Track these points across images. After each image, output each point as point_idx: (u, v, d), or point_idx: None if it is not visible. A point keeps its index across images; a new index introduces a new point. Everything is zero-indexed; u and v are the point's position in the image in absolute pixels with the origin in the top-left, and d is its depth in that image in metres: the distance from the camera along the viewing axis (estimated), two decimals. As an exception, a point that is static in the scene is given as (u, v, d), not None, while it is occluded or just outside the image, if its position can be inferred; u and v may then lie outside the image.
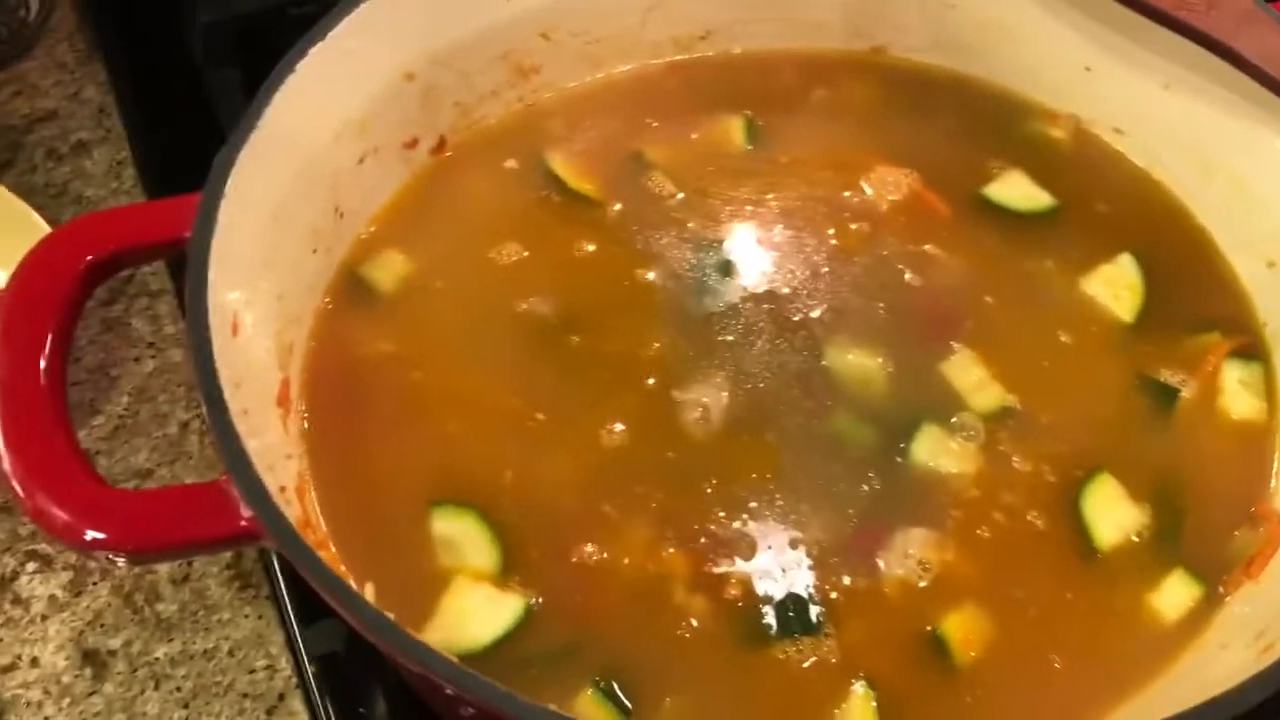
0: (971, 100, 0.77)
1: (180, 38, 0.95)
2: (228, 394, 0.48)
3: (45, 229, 0.78)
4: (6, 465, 0.45)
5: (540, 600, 0.57)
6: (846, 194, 0.72)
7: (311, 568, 0.43)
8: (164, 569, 0.71)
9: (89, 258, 0.49)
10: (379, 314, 0.65)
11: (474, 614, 0.56)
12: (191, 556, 0.47)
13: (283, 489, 0.50)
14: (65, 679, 0.69)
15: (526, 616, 0.56)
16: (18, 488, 0.44)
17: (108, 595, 0.71)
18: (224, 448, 0.45)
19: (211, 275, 0.51)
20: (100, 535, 0.44)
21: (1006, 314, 0.68)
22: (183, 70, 0.93)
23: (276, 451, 0.55)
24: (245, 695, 0.69)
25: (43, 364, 0.46)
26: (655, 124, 0.74)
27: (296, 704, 0.68)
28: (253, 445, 0.48)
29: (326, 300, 0.65)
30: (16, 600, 0.71)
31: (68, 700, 0.68)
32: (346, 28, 0.60)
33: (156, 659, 0.70)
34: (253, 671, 0.69)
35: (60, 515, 0.43)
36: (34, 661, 0.69)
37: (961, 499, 0.61)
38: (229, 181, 0.53)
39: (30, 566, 0.73)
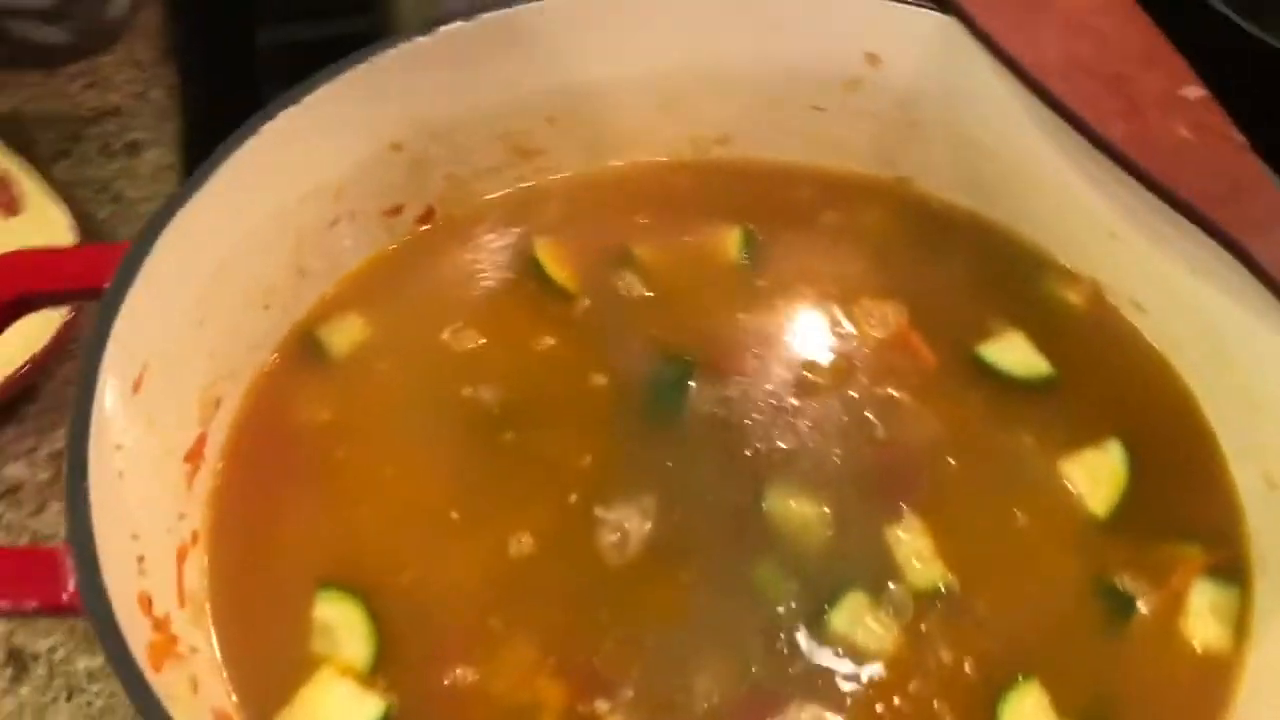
0: (990, 247, 0.73)
1: (250, 55, 0.98)
2: (99, 457, 0.48)
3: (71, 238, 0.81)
4: None
5: (401, 707, 0.55)
6: (831, 326, 0.69)
7: (114, 654, 0.42)
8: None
9: (-4, 300, 0.50)
10: (325, 378, 0.65)
11: (331, 710, 0.55)
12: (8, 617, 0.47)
13: (141, 559, 0.50)
14: (-14, 678, 0.70)
15: (383, 720, 0.55)
16: None
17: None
18: (69, 516, 0.45)
19: (118, 331, 0.51)
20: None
21: (969, 484, 0.64)
22: (247, 86, 0.95)
23: (166, 510, 0.55)
24: (153, 723, 0.69)
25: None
26: (652, 223, 0.72)
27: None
28: (121, 513, 0.48)
29: (274, 357, 0.65)
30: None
31: (-16, 696, 0.70)
32: (326, 94, 0.60)
33: (76, 670, 0.71)
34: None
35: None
36: (-42, 652, 0.71)
37: (870, 680, 0.58)
38: (158, 241, 0.53)
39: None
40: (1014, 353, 0.68)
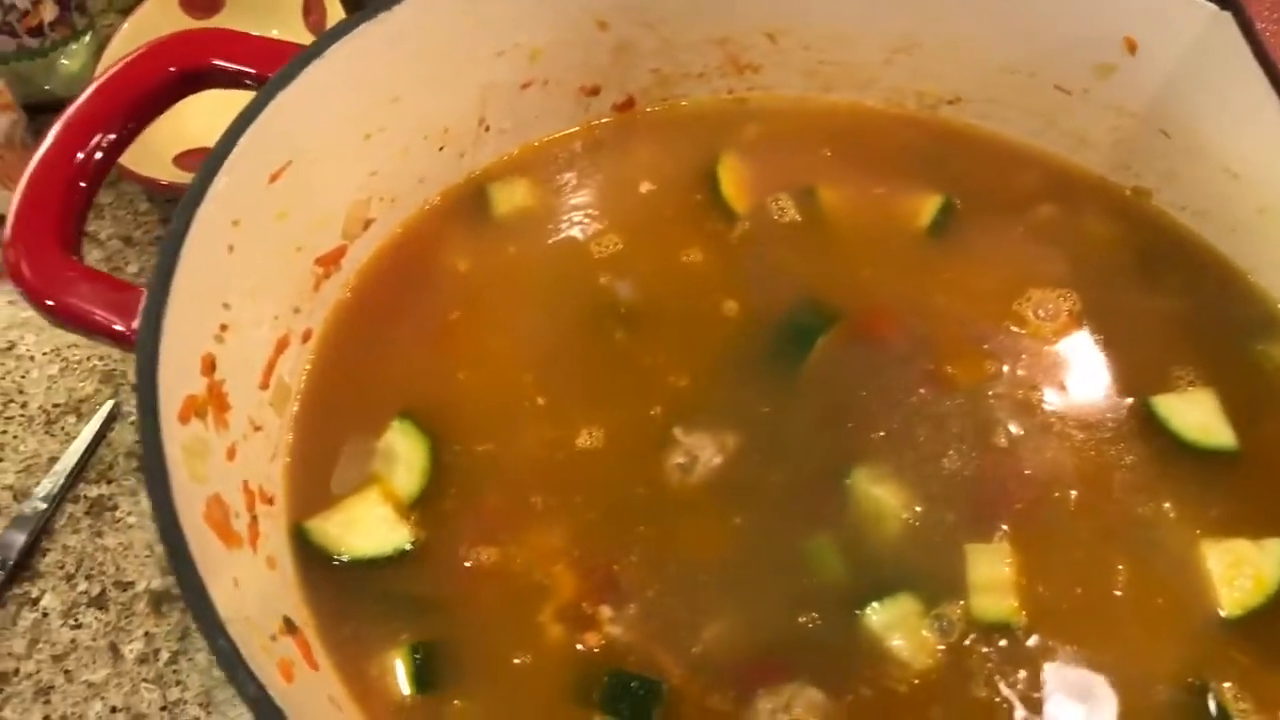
0: (1214, 285, 0.63)
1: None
2: (206, 220, 0.51)
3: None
4: (13, 209, 0.52)
5: (421, 546, 0.57)
6: (999, 321, 0.63)
7: (140, 394, 0.46)
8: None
9: (173, 68, 0.54)
10: (478, 231, 0.67)
11: (365, 526, 0.57)
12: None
13: (224, 327, 0.53)
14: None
15: (400, 554, 0.57)
16: (8, 232, 0.51)
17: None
18: (158, 267, 0.49)
19: (264, 119, 0.54)
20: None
21: (1084, 528, 0.56)
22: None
23: (280, 299, 0.59)
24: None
25: (96, 138, 0.53)
26: (848, 167, 0.68)
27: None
28: (220, 278, 0.52)
29: (438, 197, 0.67)
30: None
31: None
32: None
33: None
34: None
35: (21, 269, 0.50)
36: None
37: (889, 687, 0.53)
38: (333, 48, 0.56)
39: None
40: (1197, 414, 0.59)
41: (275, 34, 0.93)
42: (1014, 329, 0.63)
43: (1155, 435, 0.59)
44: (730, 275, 0.65)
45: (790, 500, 0.58)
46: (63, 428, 0.78)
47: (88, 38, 0.91)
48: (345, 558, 0.56)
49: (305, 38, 0.92)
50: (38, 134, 0.88)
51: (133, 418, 0.78)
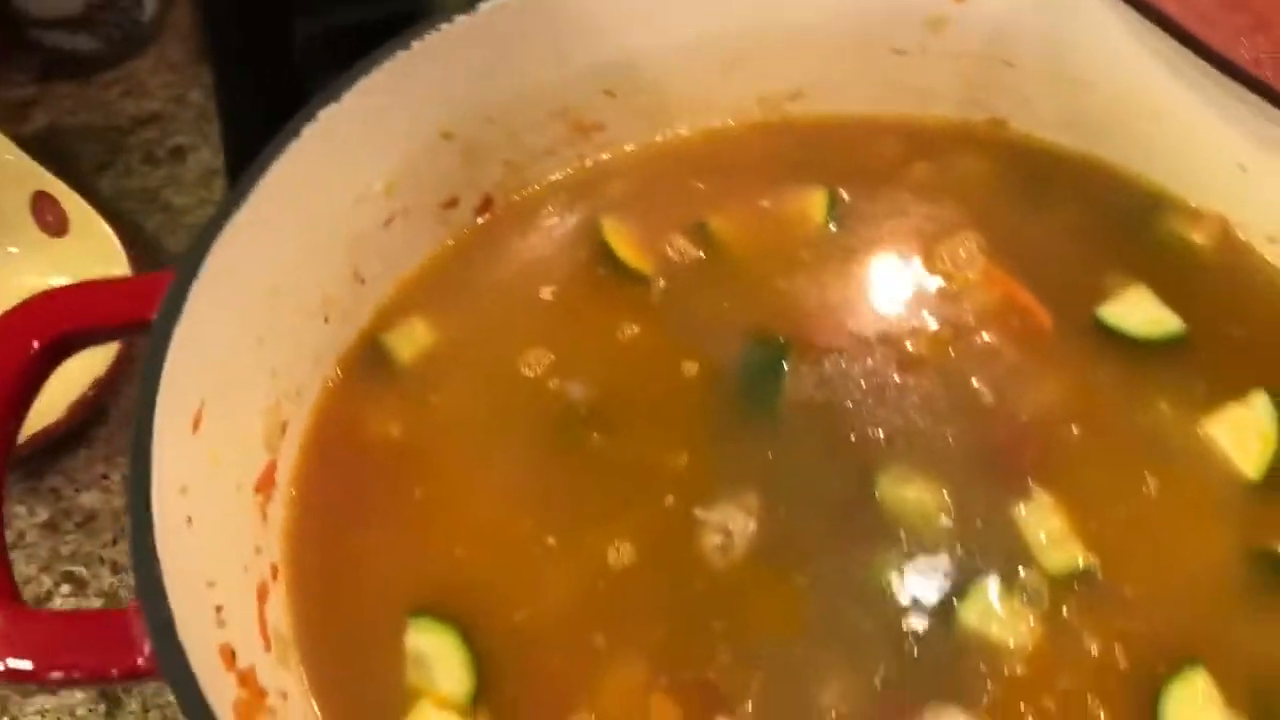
0: (1101, 190, 0.66)
1: (289, 47, 0.93)
2: (164, 504, 0.44)
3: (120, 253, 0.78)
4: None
5: (507, 742, 0.52)
6: (931, 290, 0.64)
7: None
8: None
9: (35, 344, 0.46)
10: (392, 389, 0.61)
11: (435, 746, 0.51)
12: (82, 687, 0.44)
13: (219, 608, 0.46)
14: (80, 711, 0.68)
15: (490, 757, 0.51)
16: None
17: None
18: (138, 574, 0.42)
19: (170, 368, 0.47)
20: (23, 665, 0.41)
21: (1099, 454, 0.58)
22: (289, 80, 0.91)
23: (242, 547, 0.52)
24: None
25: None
26: (725, 192, 0.67)
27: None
28: (193, 562, 0.45)
29: (337, 371, 0.61)
30: (44, 624, 0.71)
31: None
32: (367, 87, 0.55)
33: (170, 703, 0.68)
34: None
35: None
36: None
37: (1010, 676, 0.53)
38: (206, 259, 0.49)
39: (65, 589, 0.72)
40: (1139, 311, 0.62)
41: (13, 251, 0.83)
42: (942, 287, 0.64)
43: (1115, 344, 0.61)
44: (673, 336, 0.62)
45: (835, 535, 0.56)
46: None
47: None
48: (433, 790, 0.50)
49: (46, 244, 0.82)
50: None
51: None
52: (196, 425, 0.49)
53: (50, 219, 0.82)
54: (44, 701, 0.68)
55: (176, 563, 0.43)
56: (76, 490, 0.75)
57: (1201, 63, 0.58)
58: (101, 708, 0.68)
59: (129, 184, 0.89)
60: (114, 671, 0.41)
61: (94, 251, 0.79)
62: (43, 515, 0.74)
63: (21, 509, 0.74)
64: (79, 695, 0.68)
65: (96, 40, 0.93)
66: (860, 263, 0.65)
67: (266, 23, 0.94)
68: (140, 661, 0.41)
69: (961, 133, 0.69)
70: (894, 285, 0.64)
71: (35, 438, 0.70)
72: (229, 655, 0.45)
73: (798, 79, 0.68)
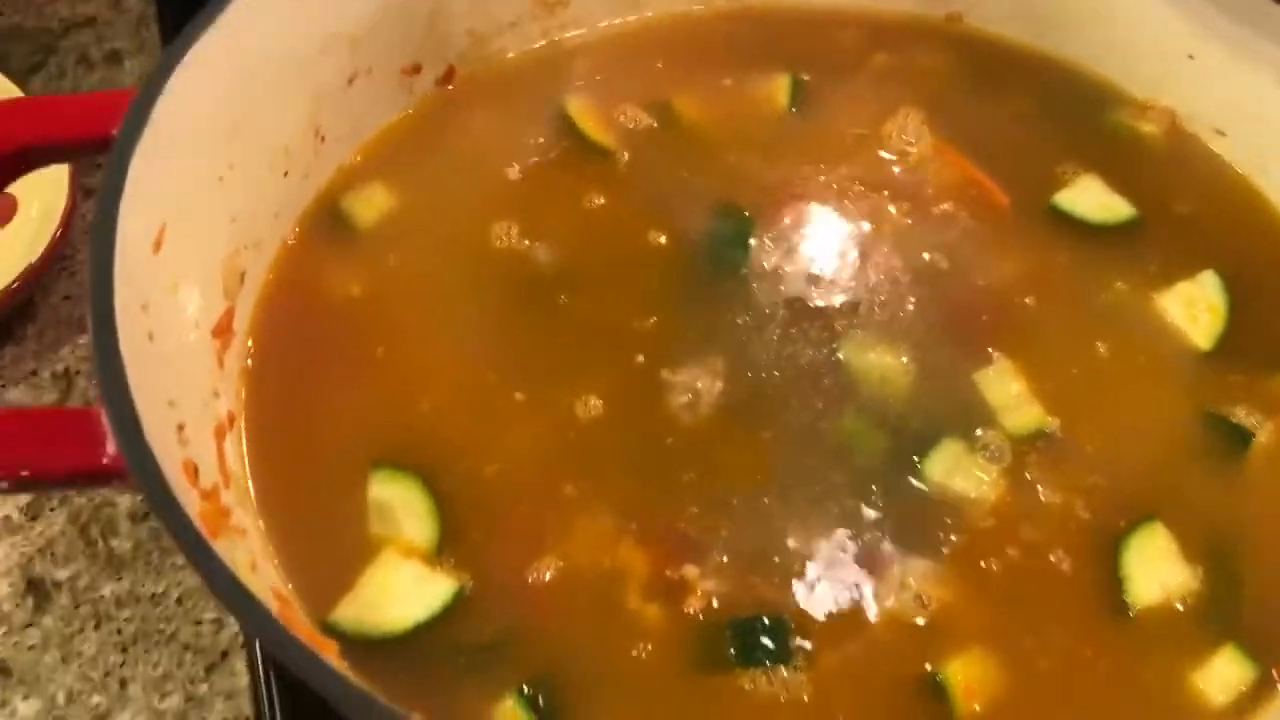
0: (1053, 82, 0.68)
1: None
2: (126, 314, 0.42)
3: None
4: None
5: (474, 585, 0.50)
6: (894, 171, 0.64)
7: (169, 517, 0.37)
8: (124, 502, 0.67)
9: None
10: (352, 252, 0.59)
11: (398, 592, 0.50)
12: (44, 491, 0.41)
13: (181, 426, 0.44)
14: (5, 607, 0.65)
15: (456, 602, 0.50)
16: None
17: (63, 524, 0.67)
18: (100, 372, 0.40)
19: (134, 181, 0.45)
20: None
21: (1060, 324, 0.59)
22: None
23: (200, 385, 0.50)
24: (187, 647, 0.64)
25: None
26: (690, 75, 0.67)
27: (239, 664, 0.63)
28: (154, 377, 0.43)
29: (296, 230, 0.59)
30: (-33, 521, 0.67)
31: (3, 629, 0.64)
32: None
33: (102, 596, 0.65)
34: (199, 623, 0.64)
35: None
36: (-24, 586, 0.65)
37: (975, 527, 0.53)
38: (170, 80, 0.47)
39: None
40: (1091, 198, 0.63)
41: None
42: (902, 167, 0.64)
43: (1070, 227, 0.62)
44: (640, 207, 0.61)
45: (800, 395, 0.56)
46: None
47: None
48: (396, 634, 0.49)
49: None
50: None
51: None
52: (158, 246, 0.47)
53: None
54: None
55: (139, 370, 0.41)
56: (4, 385, 0.72)
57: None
58: (30, 601, 0.65)
59: (62, 85, 0.86)
60: (80, 471, 0.39)
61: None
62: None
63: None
64: (4, 589, 0.66)
65: (26, -60, 0.90)
66: (821, 144, 0.65)
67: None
68: (105, 460, 0.39)
69: (921, 26, 0.70)
70: (855, 163, 0.64)
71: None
72: (192, 470, 0.43)
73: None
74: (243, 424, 0.53)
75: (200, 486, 0.43)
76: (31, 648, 0.64)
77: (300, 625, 0.43)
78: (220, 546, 0.40)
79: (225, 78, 0.51)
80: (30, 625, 0.64)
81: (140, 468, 0.38)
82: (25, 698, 0.62)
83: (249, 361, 0.54)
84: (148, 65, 0.87)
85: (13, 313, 0.72)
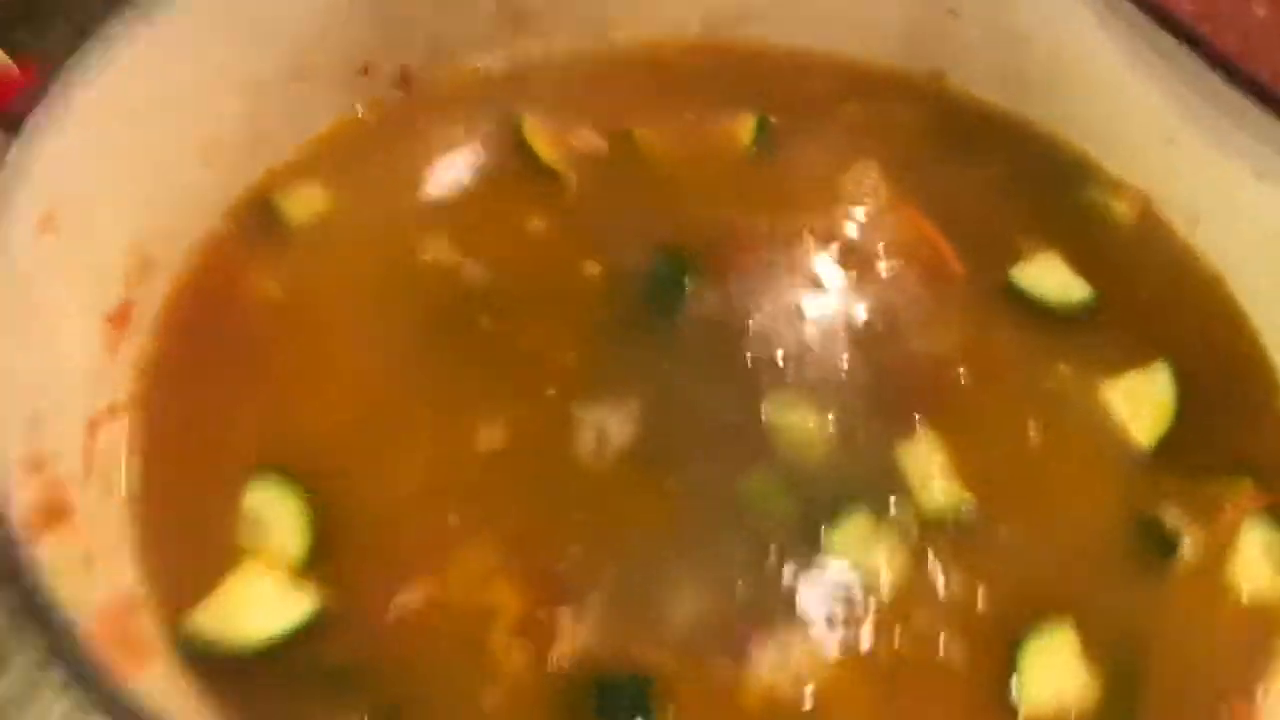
0: (1028, 151, 0.65)
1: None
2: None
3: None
4: None
5: (338, 607, 0.48)
6: (848, 224, 0.62)
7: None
8: None
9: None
10: (278, 251, 0.58)
11: (255, 603, 0.48)
12: None
13: (34, 418, 0.43)
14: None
15: (314, 621, 0.48)
16: None
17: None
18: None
19: (26, 157, 0.44)
20: None
21: (995, 402, 0.57)
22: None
23: (80, 371, 0.48)
24: None
25: None
26: (654, 105, 0.65)
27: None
28: (12, 361, 0.42)
29: (225, 223, 0.58)
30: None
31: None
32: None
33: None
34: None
35: None
36: None
37: (870, 606, 0.51)
38: (89, 59, 0.46)
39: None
40: (1050, 277, 0.60)
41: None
42: (857, 221, 0.62)
43: (1021, 303, 0.60)
44: (579, 236, 0.60)
45: (713, 449, 0.54)
46: None
47: None
48: (246, 647, 0.47)
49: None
50: None
51: None
52: (46, 225, 0.46)
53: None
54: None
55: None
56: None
57: (1139, 24, 0.58)
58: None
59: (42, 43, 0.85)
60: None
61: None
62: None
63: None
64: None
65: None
66: (778, 190, 0.63)
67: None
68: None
69: (899, 80, 0.67)
70: (809, 212, 0.62)
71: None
72: (33, 461, 0.42)
73: (740, 4, 0.66)
74: (130, 414, 0.51)
75: (44, 474, 0.42)
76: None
77: (124, 633, 0.42)
78: (47, 541, 0.39)
79: (151, 62, 0.50)
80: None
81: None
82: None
83: (150, 353, 0.53)
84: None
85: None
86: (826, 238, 0.61)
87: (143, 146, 0.52)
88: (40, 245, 0.46)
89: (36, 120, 0.45)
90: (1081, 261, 0.61)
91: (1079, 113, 0.64)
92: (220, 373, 0.54)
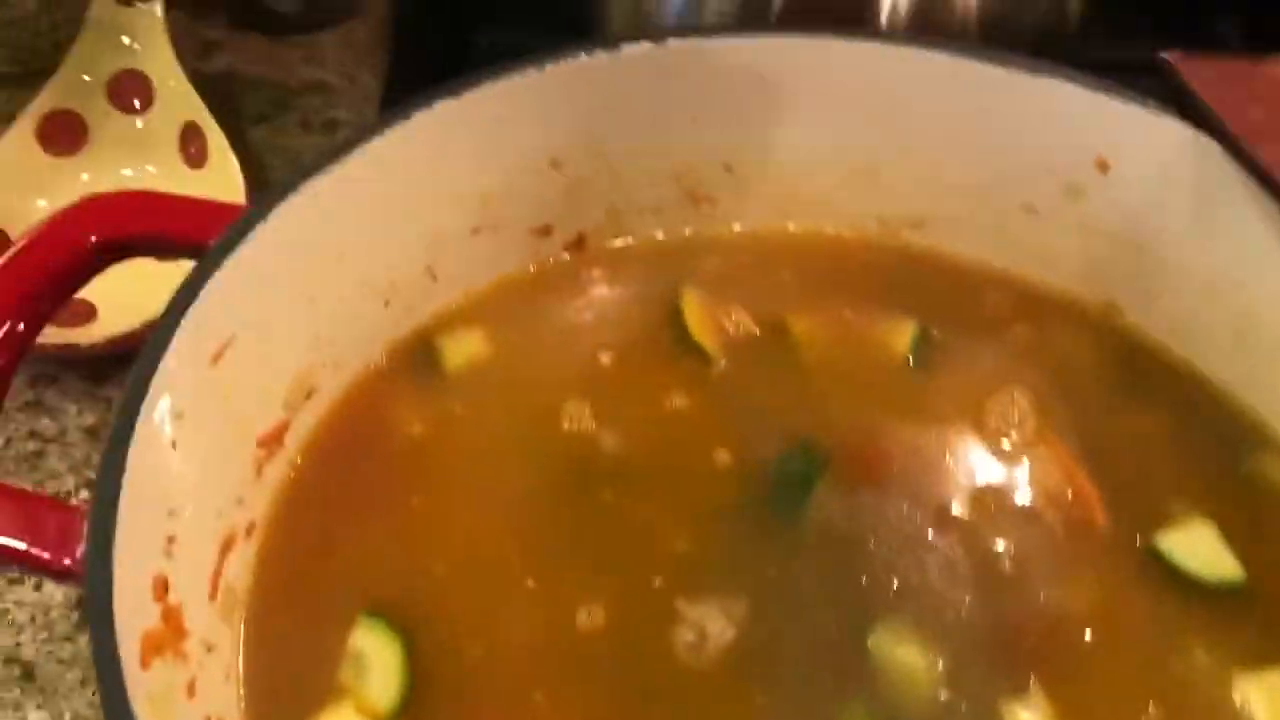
0: (1199, 406, 0.62)
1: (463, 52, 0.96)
2: (151, 425, 0.44)
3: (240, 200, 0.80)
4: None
5: (413, 768, 0.50)
6: (994, 454, 0.60)
7: (97, 639, 0.38)
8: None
9: (92, 238, 0.47)
10: (428, 391, 0.61)
11: (340, 747, 0.50)
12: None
13: (172, 539, 0.46)
14: (53, 613, 0.68)
15: (389, 775, 0.49)
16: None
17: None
18: (99, 482, 0.42)
19: (210, 292, 0.48)
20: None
21: (1116, 673, 0.54)
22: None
23: (223, 492, 0.51)
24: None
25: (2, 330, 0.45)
26: (816, 299, 0.65)
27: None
28: (161, 486, 0.45)
29: (383, 356, 0.61)
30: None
31: (44, 634, 0.67)
32: (490, 93, 0.56)
33: None
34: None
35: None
36: None
37: None
38: (279, 208, 0.50)
39: (84, 494, 0.73)
40: (1200, 548, 0.57)
41: (150, 170, 0.86)
42: (1004, 452, 0.60)
43: (1162, 571, 0.57)
44: (717, 421, 0.60)
45: (813, 669, 0.53)
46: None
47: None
48: (325, 791, 0.49)
49: (183, 172, 0.85)
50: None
51: (10, 615, 0.68)
52: (218, 358, 0.49)
53: (193, 150, 0.85)
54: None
55: (144, 479, 0.44)
56: (89, 406, 0.76)
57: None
58: (77, 615, 0.69)
59: (278, 140, 0.92)
60: (45, 559, 0.41)
61: (220, 189, 0.81)
62: (89, 420, 0.76)
63: (73, 408, 0.76)
64: (59, 595, 0.70)
65: (298, 4, 0.97)
66: (929, 406, 0.62)
67: (449, 25, 0.98)
68: (68, 561, 0.41)
69: (1073, 308, 0.65)
70: (956, 437, 0.61)
71: (106, 344, 0.72)
72: (162, 586, 0.44)
73: (922, 209, 0.66)
74: (260, 536, 0.54)
75: (167, 601, 0.45)
76: (61, 662, 0.67)
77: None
78: (153, 670, 0.41)
79: (341, 213, 0.54)
80: (69, 639, 0.68)
81: (94, 586, 0.40)
82: (39, 707, 0.66)
83: (290, 476, 0.56)
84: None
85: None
86: (967, 464, 0.60)
87: (322, 284, 0.55)
88: (213, 371, 0.49)
89: (213, 261, 0.49)
90: (1238, 537, 0.58)
91: (1263, 377, 0.61)
92: (350, 504, 0.57)
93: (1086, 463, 0.60)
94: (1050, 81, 0.60)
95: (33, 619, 0.67)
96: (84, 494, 0.73)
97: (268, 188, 0.87)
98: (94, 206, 0.48)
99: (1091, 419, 0.61)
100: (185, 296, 0.47)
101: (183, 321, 0.46)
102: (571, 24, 0.88)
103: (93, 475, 0.73)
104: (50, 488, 0.73)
